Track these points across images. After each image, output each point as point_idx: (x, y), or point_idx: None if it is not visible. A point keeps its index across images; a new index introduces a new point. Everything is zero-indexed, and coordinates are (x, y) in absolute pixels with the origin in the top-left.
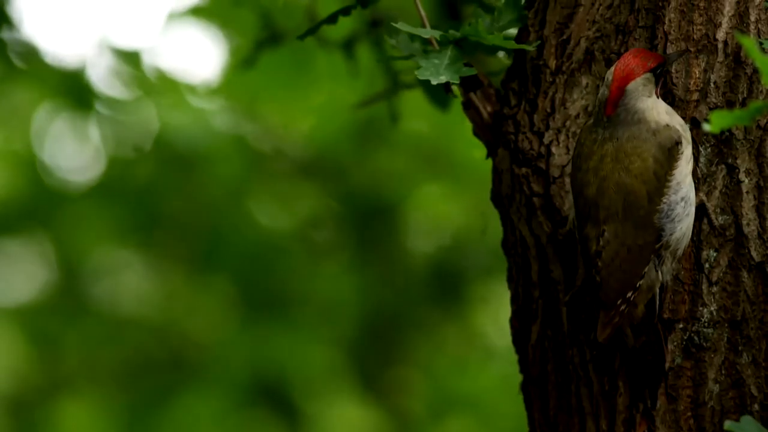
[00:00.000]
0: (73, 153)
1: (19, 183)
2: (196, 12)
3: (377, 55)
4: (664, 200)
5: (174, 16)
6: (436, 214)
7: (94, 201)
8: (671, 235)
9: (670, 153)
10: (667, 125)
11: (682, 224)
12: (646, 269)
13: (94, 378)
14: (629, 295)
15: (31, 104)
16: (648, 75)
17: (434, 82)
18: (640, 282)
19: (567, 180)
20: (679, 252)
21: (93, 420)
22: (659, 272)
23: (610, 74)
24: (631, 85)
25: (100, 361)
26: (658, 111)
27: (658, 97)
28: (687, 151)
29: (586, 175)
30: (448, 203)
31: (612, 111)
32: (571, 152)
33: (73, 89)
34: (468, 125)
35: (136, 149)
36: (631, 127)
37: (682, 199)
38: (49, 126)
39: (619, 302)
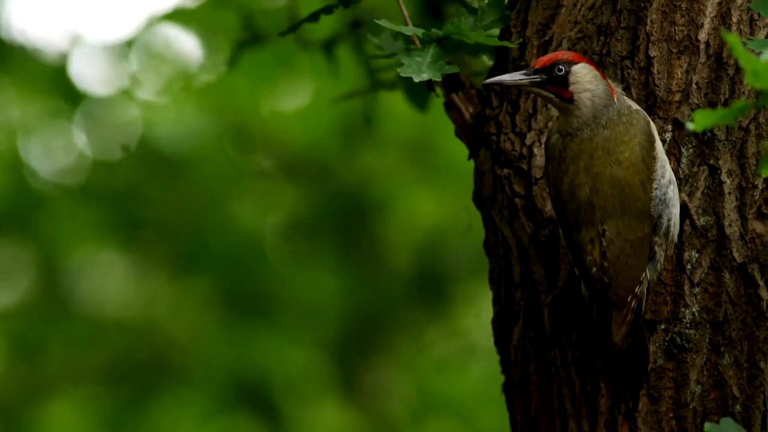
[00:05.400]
0: (56, 154)
1: (1, 184)
2: (177, 14)
3: (358, 55)
4: (655, 185)
5: (156, 19)
6: (420, 214)
7: (76, 203)
8: (669, 220)
9: (648, 136)
10: (636, 109)
11: (675, 208)
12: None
13: (78, 380)
14: (637, 290)
15: (17, 104)
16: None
17: (416, 79)
18: (643, 276)
19: None
20: (675, 239)
21: (77, 421)
22: (647, 271)
23: (590, 70)
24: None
25: (83, 363)
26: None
27: None
28: (653, 125)
29: (576, 177)
30: (432, 203)
31: (615, 94)
32: None
33: (57, 88)
34: (451, 124)
35: (119, 150)
36: (607, 115)
37: (670, 181)
38: (32, 127)
39: (629, 299)
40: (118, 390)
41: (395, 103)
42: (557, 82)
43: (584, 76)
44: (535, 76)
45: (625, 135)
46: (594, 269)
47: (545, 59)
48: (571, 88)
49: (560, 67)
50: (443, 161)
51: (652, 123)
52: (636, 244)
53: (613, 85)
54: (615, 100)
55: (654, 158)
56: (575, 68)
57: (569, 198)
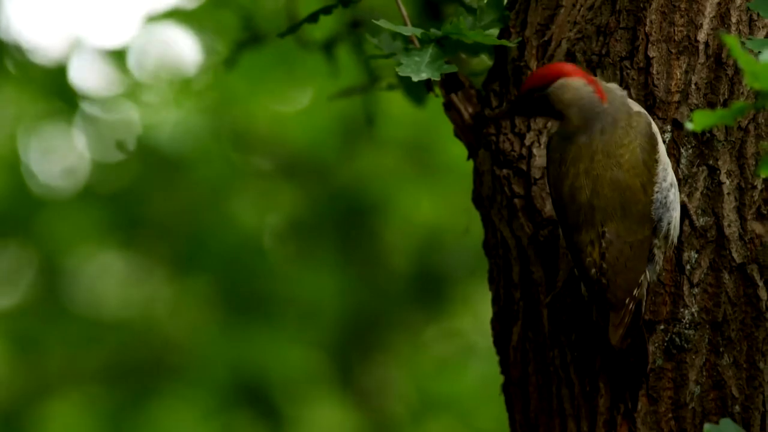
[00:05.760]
0: (55, 155)
1: (1, 186)
2: (176, 13)
3: (357, 56)
4: (656, 189)
5: (154, 18)
6: (418, 214)
7: (76, 204)
8: (669, 223)
9: (650, 139)
10: (638, 111)
11: (675, 212)
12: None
13: (77, 380)
14: (635, 292)
15: (16, 106)
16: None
17: (415, 79)
18: (642, 278)
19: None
20: (674, 242)
21: (77, 421)
22: (646, 272)
23: (569, 85)
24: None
25: (82, 363)
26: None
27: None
28: (656, 127)
29: (576, 179)
30: (430, 204)
31: (606, 98)
32: None
33: (56, 90)
34: (450, 125)
35: (119, 150)
36: (618, 103)
37: (671, 184)
38: (33, 129)
39: (627, 301)
40: (117, 390)
41: (394, 104)
42: (540, 105)
43: (564, 94)
44: (518, 105)
45: (625, 138)
46: (593, 270)
47: (522, 87)
48: (556, 107)
49: (535, 93)
50: (442, 162)
51: (654, 125)
52: (635, 247)
53: (608, 87)
54: (605, 105)
55: (656, 161)
56: (552, 89)
57: (569, 200)
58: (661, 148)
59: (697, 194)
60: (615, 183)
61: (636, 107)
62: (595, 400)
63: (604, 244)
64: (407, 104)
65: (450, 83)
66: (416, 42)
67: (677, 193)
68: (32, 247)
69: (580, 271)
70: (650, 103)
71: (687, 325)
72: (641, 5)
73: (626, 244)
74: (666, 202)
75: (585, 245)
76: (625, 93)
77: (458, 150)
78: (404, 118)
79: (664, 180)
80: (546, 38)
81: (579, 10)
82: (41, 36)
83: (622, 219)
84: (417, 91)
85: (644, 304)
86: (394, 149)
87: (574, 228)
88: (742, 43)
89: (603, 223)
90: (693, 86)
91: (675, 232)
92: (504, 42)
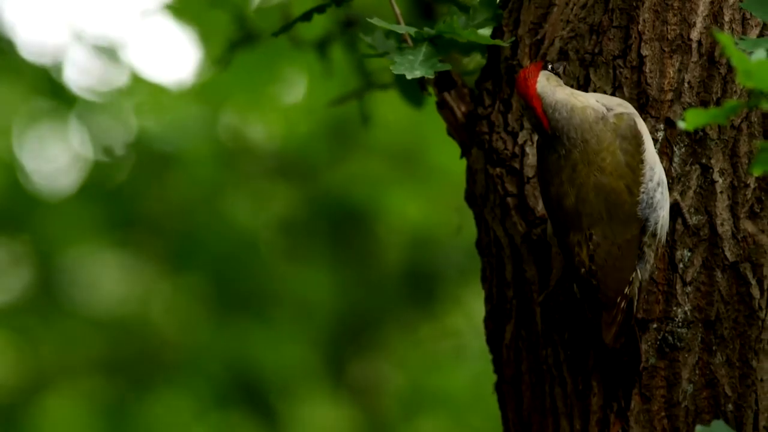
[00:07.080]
0: (51, 154)
1: None
2: (171, 12)
3: (351, 55)
4: (642, 189)
5: (147, 14)
6: (410, 214)
7: (71, 202)
8: (657, 223)
9: (634, 139)
10: (619, 113)
11: (663, 210)
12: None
13: (74, 376)
14: (626, 290)
15: (10, 105)
16: (544, 72)
17: (409, 77)
18: (633, 275)
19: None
20: (663, 240)
21: (73, 417)
22: (638, 271)
23: (520, 100)
24: (539, 87)
25: (78, 360)
26: (584, 96)
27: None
28: (644, 126)
29: (561, 187)
30: (422, 204)
31: (548, 123)
32: None
33: (51, 88)
34: (442, 126)
35: (113, 149)
36: (576, 122)
37: (658, 184)
38: (28, 127)
39: (618, 300)
40: (113, 386)
41: (386, 103)
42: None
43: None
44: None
45: (603, 142)
46: (583, 270)
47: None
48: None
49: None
50: (433, 164)
51: (641, 123)
52: (624, 247)
53: (557, 105)
54: (548, 131)
55: (641, 161)
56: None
57: (556, 206)
58: (648, 147)
59: (690, 193)
60: (599, 188)
61: (618, 108)
62: (588, 399)
63: (591, 246)
64: (398, 108)
65: (443, 82)
66: (409, 41)
67: (666, 191)
68: (28, 245)
69: (571, 272)
70: (643, 101)
71: (680, 324)
72: (634, 4)
73: (614, 245)
74: (653, 203)
75: (573, 246)
76: (590, 98)
77: (448, 153)
78: (394, 121)
79: (651, 180)
80: (539, 37)
81: (572, 9)
82: (36, 33)
83: (609, 222)
84: (414, 93)
85: (636, 302)
86: (386, 149)
87: (562, 230)
88: (735, 43)
89: (590, 227)
90: (686, 85)
91: (663, 230)
92: (497, 41)
